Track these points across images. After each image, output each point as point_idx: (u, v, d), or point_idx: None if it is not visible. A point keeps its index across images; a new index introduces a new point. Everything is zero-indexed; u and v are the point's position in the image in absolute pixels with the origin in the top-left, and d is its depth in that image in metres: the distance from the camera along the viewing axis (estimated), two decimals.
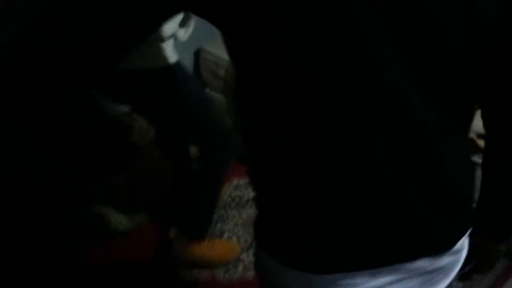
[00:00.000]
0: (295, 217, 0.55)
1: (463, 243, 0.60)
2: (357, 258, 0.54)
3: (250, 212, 1.81)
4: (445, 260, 0.57)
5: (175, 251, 1.57)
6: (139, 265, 1.65)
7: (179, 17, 1.20)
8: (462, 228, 0.59)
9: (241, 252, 1.64)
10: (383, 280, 0.55)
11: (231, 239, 1.69)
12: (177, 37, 1.24)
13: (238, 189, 1.91)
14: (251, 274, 1.57)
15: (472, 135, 1.25)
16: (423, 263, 0.55)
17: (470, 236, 0.62)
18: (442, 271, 0.58)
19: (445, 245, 0.57)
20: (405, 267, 0.55)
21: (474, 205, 0.64)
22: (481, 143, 1.24)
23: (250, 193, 1.90)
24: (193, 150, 1.68)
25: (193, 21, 1.30)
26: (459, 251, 0.60)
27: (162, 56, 1.20)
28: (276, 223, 0.57)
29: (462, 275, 0.68)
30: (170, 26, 1.16)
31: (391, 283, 0.55)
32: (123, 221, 1.74)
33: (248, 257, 1.62)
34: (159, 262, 1.65)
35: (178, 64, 1.27)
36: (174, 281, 1.59)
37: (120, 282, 1.60)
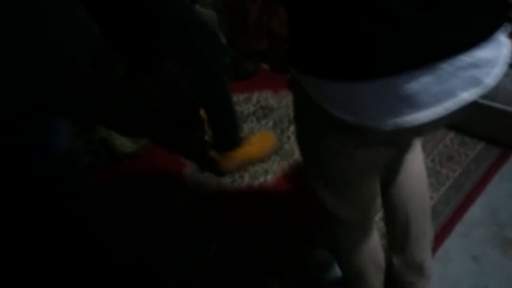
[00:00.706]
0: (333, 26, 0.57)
1: (502, 40, 0.59)
2: (396, 59, 0.55)
3: (251, 125, 1.84)
4: (483, 52, 0.57)
5: (223, 167, 1.66)
6: (147, 186, 1.70)
7: None
8: (497, 20, 0.58)
9: None
10: (423, 81, 0.56)
11: None
12: None
13: (238, 104, 1.93)
14: (257, 182, 1.65)
15: None
16: (462, 57, 0.55)
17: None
18: (483, 67, 0.58)
19: (480, 35, 0.56)
20: (443, 63, 0.55)
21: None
22: None
23: (250, 108, 1.92)
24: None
25: None
26: (499, 45, 0.58)
27: None
28: (314, 37, 0.60)
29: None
30: None
31: (432, 83, 0.56)
32: (127, 143, 1.77)
33: (254, 167, 1.68)
34: (167, 182, 1.70)
35: None
36: (184, 198, 1.64)
37: (128, 203, 1.65)
